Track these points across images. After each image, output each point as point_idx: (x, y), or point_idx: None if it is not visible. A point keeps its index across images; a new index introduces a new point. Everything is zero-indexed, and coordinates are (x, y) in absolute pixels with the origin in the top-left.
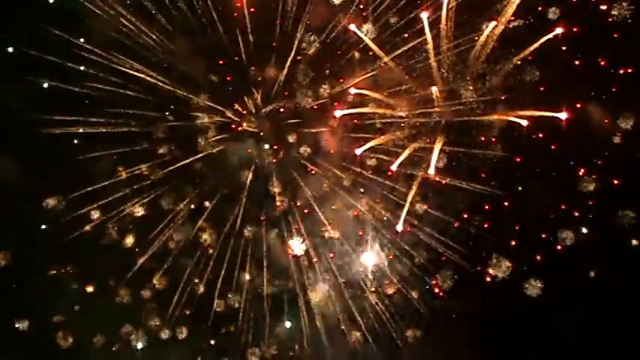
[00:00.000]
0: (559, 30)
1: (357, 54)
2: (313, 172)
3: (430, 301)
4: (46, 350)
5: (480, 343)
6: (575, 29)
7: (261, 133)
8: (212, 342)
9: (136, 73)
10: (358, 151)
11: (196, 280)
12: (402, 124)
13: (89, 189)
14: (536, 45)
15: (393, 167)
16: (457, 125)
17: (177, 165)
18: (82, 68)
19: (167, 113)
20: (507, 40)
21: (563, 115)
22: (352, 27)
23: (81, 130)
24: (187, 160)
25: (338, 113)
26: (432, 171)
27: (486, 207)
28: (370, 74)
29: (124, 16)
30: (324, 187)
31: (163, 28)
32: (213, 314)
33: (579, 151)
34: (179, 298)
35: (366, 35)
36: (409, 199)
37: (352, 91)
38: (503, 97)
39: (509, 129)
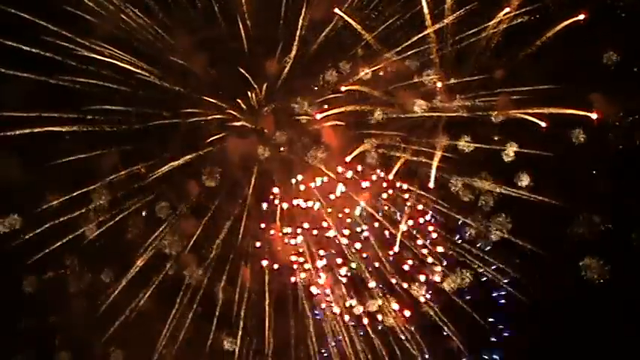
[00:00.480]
0: (581, 16)
1: (360, 50)
2: (315, 167)
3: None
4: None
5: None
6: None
7: (265, 130)
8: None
9: (132, 69)
10: (348, 158)
11: (197, 279)
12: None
13: (89, 188)
14: (551, 33)
15: (390, 176)
16: (460, 122)
17: (177, 163)
18: (74, 64)
19: (166, 109)
20: (516, 31)
21: (594, 115)
22: (337, 11)
23: (75, 129)
24: (187, 157)
25: (319, 116)
26: (431, 184)
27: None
28: (372, 69)
29: (120, 8)
30: (325, 182)
31: (162, 22)
32: (217, 314)
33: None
34: (181, 299)
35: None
36: (404, 220)
37: (343, 88)
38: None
39: (517, 125)
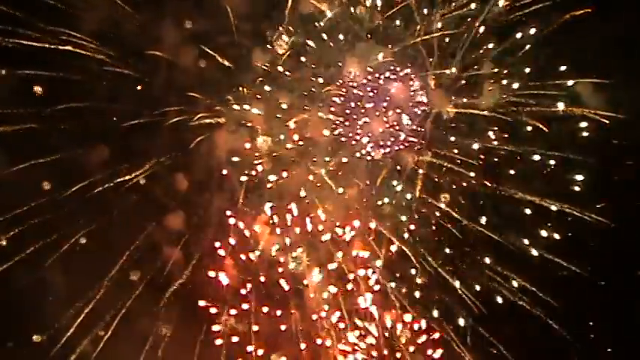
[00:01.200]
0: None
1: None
2: (305, 162)
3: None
4: None
5: None
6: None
7: (258, 129)
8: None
9: (117, 64)
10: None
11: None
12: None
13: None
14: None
15: (377, 184)
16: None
17: (164, 159)
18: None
19: (152, 106)
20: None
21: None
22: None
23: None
24: (175, 154)
25: (291, 124)
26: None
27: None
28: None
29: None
30: (317, 177)
31: (148, 15)
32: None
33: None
34: (169, 295)
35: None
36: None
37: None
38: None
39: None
